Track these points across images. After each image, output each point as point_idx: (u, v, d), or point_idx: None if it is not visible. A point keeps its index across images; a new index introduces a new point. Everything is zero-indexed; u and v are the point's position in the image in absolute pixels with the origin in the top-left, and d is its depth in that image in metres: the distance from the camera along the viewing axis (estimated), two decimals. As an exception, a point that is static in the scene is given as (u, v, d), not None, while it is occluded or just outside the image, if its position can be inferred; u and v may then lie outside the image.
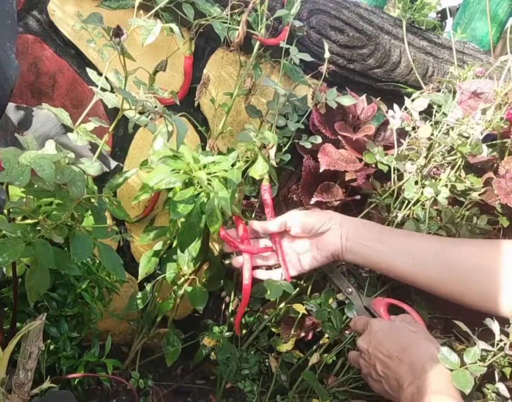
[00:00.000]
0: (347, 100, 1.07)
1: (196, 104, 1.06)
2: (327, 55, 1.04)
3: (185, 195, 0.89)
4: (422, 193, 1.01)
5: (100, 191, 0.80)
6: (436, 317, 0.98)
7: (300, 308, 1.02)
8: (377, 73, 1.16)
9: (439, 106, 1.08)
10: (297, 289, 1.05)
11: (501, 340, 0.79)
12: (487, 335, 0.81)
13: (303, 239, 1.00)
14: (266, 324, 1.09)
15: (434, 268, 0.90)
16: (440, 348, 0.80)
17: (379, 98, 1.10)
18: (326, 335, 1.03)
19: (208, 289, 1.06)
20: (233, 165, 0.99)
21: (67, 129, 0.79)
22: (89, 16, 0.66)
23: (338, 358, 1.03)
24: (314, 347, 1.05)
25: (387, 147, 1.09)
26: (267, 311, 1.09)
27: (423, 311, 0.96)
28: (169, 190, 0.97)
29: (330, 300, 1.03)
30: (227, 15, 1.00)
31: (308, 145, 1.07)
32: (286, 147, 1.08)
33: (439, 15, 1.58)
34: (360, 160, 1.05)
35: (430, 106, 1.09)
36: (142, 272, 1.02)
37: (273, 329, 1.09)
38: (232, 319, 1.13)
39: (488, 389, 0.85)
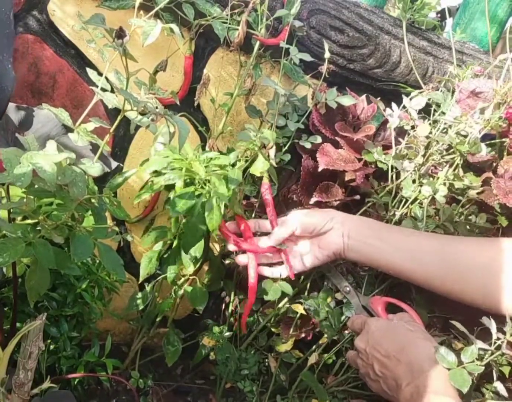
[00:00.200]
0: (347, 100, 1.07)
1: (196, 104, 1.06)
2: (327, 55, 1.04)
3: (185, 193, 0.89)
4: (420, 191, 1.01)
5: (100, 192, 0.80)
6: (435, 316, 0.98)
7: (298, 309, 1.02)
8: (377, 73, 1.16)
9: (438, 105, 1.08)
10: (296, 289, 1.05)
11: (498, 338, 0.79)
12: (487, 334, 0.81)
13: (305, 238, 1.00)
14: (265, 324, 1.09)
15: (433, 266, 0.90)
16: (438, 347, 0.80)
17: (379, 98, 1.10)
18: (326, 335, 1.03)
19: (208, 289, 1.06)
20: (233, 165, 0.99)
21: (67, 129, 0.78)
22: (91, 17, 0.66)
23: (337, 357, 1.03)
24: (314, 346, 1.05)
25: (387, 147, 1.09)
26: (266, 311, 1.09)
27: (422, 310, 0.96)
28: (169, 189, 0.97)
29: (329, 299, 1.03)
30: (227, 15, 1.00)
31: (308, 145, 1.07)
32: (286, 147, 1.08)
33: (439, 15, 1.58)
34: (359, 160, 1.05)
35: (429, 106, 1.09)
36: (143, 272, 1.02)
37: (273, 329, 1.09)
38: (232, 319, 1.13)
39: (487, 389, 0.85)
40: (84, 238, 0.73)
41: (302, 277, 1.06)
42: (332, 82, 1.11)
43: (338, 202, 1.04)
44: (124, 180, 0.92)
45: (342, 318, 1.01)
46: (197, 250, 0.95)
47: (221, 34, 0.99)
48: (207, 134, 1.09)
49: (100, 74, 0.82)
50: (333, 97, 1.06)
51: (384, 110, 1.08)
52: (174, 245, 1.02)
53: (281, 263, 1.02)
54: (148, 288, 1.06)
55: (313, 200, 1.04)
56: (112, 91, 0.80)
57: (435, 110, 1.08)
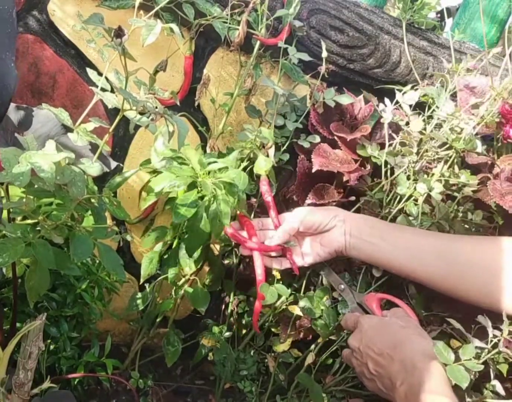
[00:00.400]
0: (345, 99, 1.07)
1: (196, 104, 1.06)
2: (324, 54, 1.04)
3: (188, 198, 0.88)
4: (415, 188, 1.00)
5: (100, 191, 0.80)
6: (433, 314, 0.98)
7: (295, 310, 1.02)
8: (377, 73, 1.16)
9: (433, 99, 1.08)
10: (291, 289, 1.05)
11: (495, 336, 0.79)
12: (485, 332, 0.82)
13: (307, 235, 1.00)
14: (264, 324, 1.09)
15: (434, 265, 0.91)
16: (431, 342, 0.79)
17: (377, 98, 1.10)
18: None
19: (208, 290, 1.06)
20: (238, 165, 0.99)
21: (67, 129, 0.78)
22: (90, 17, 0.66)
23: (335, 357, 1.03)
24: (312, 346, 1.05)
25: (384, 145, 1.08)
26: (264, 310, 1.09)
27: (419, 308, 0.96)
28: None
29: (324, 298, 1.02)
30: (227, 15, 1.00)
31: (306, 144, 1.07)
32: (284, 147, 1.08)
33: (438, 15, 1.58)
34: (356, 160, 1.05)
35: (425, 102, 1.09)
36: (144, 273, 1.02)
37: (272, 329, 1.09)
38: (231, 319, 1.13)
39: (486, 389, 0.85)
40: (84, 238, 0.73)
41: (298, 276, 1.06)
42: (332, 82, 1.11)
43: (334, 203, 1.04)
44: (124, 180, 0.92)
45: (339, 317, 1.00)
46: (197, 251, 0.96)
47: (221, 34, 0.99)
48: (207, 134, 1.09)
49: (100, 74, 0.82)
50: (331, 96, 1.06)
51: (377, 106, 1.08)
52: (174, 245, 1.02)
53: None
54: (148, 288, 1.06)
55: (307, 202, 1.04)
56: (112, 91, 0.80)
57: (429, 106, 1.08)
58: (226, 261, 1.13)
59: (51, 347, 0.95)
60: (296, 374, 1.03)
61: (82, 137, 0.72)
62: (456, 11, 1.35)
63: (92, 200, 0.76)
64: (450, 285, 0.90)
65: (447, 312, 0.95)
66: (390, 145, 1.05)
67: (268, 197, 1.01)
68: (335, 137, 1.05)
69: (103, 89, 0.77)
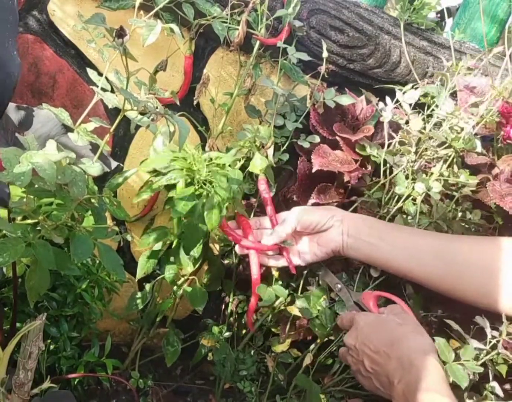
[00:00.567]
0: (345, 99, 1.07)
1: (195, 103, 1.06)
2: (325, 54, 1.04)
3: (186, 193, 0.89)
4: (413, 188, 1.00)
5: (100, 191, 0.80)
6: (432, 314, 0.98)
7: (293, 311, 1.02)
8: (377, 73, 1.16)
9: (433, 97, 1.08)
10: (290, 287, 1.05)
11: (493, 337, 0.79)
12: (484, 332, 0.82)
13: (304, 234, 1.00)
14: (263, 324, 1.09)
15: (432, 265, 0.90)
16: (428, 339, 0.79)
17: (378, 98, 1.10)
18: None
19: (208, 289, 1.06)
20: (233, 164, 0.99)
21: (67, 129, 0.78)
22: (91, 17, 0.66)
23: (334, 357, 1.03)
24: (312, 346, 1.05)
25: (384, 144, 1.08)
26: (262, 310, 1.09)
27: (417, 308, 0.96)
28: (169, 189, 0.97)
29: (322, 298, 1.02)
30: (227, 15, 1.00)
31: (306, 145, 1.07)
32: (284, 147, 1.08)
33: (438, 15, 1.58)
34: (356, 161, 1.05)
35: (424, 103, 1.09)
36: (140, 271, 1.02)
37: (272, 329, 1.09)
38: (231, 319, 1.13)
39: (485, 389, 0.85)
40: (84, 238, 0.73)
41: (295, 276, 1.06)
42: (332, 82, 1.11)
43: (336, 203, 1.04)
44: (124, 180, 0.92)
45: (337, 317, 1.00)
46: (196, 250, 0.96)
47: (221, 34, 0.99)
48: (207, 133, 1.09)
49: (100, 74, 0.83)
50: (331, 96, 1.06)
51: (377, 104, 1.08)
52: (173, 245, 1.02)
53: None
54: (147, 288, 1.06)
55: (310, 202, 1.03)
56: (112, 91, 0.80)
57: (428, 105, 1.07)
58: (225, 261, 1.13)
59: (51, 347, 0.95)
60: (295, 374, 1.03)
61: (82, 137, 0.73)
62: (456, 11, 1.35)
63: (93, 200, 0.76)
64: (448, 285, 0.90)
65: (446, 312, 0.95)
66: (389, 144, 1.05)
67: (266, 195, 1.02)
68: (338, 138, 1.05)
69: (103, 89, 0.77)
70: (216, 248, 1.15)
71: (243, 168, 1.03)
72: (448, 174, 1.00)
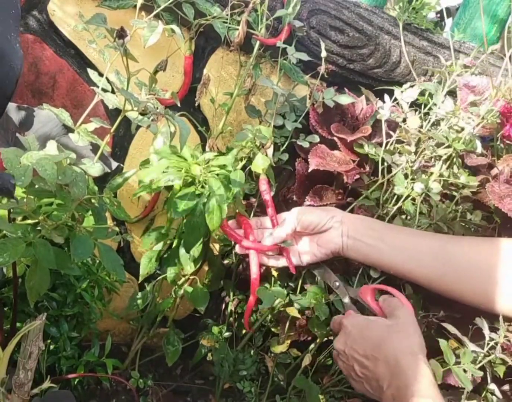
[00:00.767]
0: (344, 99, 1.07)
1: (196, 104, 1.06)
2: (323, 54, 1.04)
3: (185, 193, 0.89)
4: (412, 188, 0.99)
5: (100, 192, 0.80)
6: (431, 315, 0.98)
7: (292, 312, 1.01)
8: (377, 73, 1.16)
9: (430, 95, 1.08)
10: (289, 287, 1.05)
11: (491, 339, 0.79)
12: (482, 333, 0.82)
13: (304, 235, 1.00)
14: (263, 324, 1.09)
15: (431, 266, 0.90)
16: (418, 338, 0.79)
17: (378, 98, 1.10)
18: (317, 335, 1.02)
19: (208, 289, 1.06)
20: (234, 165, 0.99)
21: (68, 129, 0.79)
22: (92, 17, 0.66)
23: (332, 357, 1.03)
24: (312, 346, 1.05)
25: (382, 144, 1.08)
26: (262, 311, 1.09)
27: (416, 308, 0.96)
28: (169, 189, 0.97)
29: (319, 295, 1.01)
30: (227, 15, 1.00)
31: (305, 144, 1.07)
32: (284, 147, 1.08)
33: (438, 15, 1.58)
34: (354, 161, 1.04)
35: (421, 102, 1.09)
36: (143, 272, 1.02)
37: (272, 329, 1.09)
38: (231, 319, 1.13)
39: (484, 390, 0.85)
40: (84, 238, 0.73)
41: (295, 276, 1.06)
42: (332, 82, 1.11)
43: (333, 205, 1.04)
44: (124, 181, 0.92)
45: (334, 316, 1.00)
46: (196, 249, 0.96)
47: (221, 34, 0.99)
48: (207, 134, 1.09)
49: (100, 74, 0.83)
50: (330, 96, 1.06)
51: (376, 103, 1.08)
52: (174, 245, 1.02)
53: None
54: (148, 288, 1.06)
55: (305, 204, 1.03)
56: (113, 91, 0.80)
57: (425, 104, 1.07)
58: (225, 261, 1.13)
59: (51, 347, 0.95)
60: (295, 374, 1.03)
61: (83, 137, 0.73)
62: (456, 11, 1.35)
63: (93, 200, 0.76)
64: (447, 286, 0.90)
65: (445, 312, 0.95)
66: (387, 143, 1.05)
67: (267, 196, 1.02)
68: (335, 138, 1.04)
69: (104, 90, 0.77)
70: (216, 248, 1.15)
71: (243, 168, 1.03)
72: (448, 174, 1.00)
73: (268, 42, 1.03)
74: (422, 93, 1.09)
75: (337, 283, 0.99)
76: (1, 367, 0.77)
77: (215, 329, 1.11)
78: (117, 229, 0.80)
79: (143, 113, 0.72)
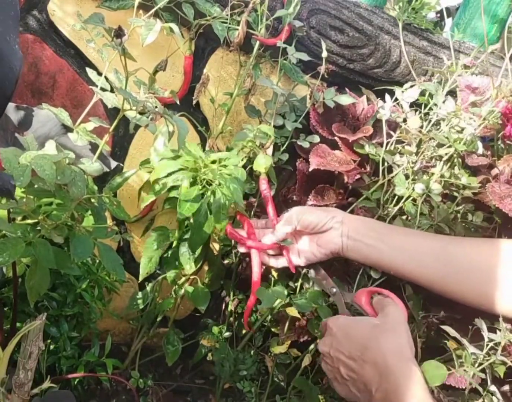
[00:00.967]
0: (344, 99, 1.07)
1: (194, 102, 1.06)
2: (324, 54, 1.04)
3: (191, 194, 0.89)
4: (413, 189, 0.99)
5: (100, 191, 0.80)
6: (432, 316, 0.98)
7: (292, 312, 1.01)
8: (377, 73, 1.16)
9: (430, 95, 1.07)
10: (289, 288, 1.05)
11: (491, 340, 0.79)
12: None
13: (304, 234, 1.00)
14: (263, 324, 1.09)
15: (432, 267, 0.90)
16: (406, 338, 0.78)
17: (378, 98, 1.10)
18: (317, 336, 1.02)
19: (209, 289, 1.06)
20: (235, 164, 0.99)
21: (67, 129, 0.79)
22: (90, 17, 0.66)
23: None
24: (312, 346, 1.04)
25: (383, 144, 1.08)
26: (262, 311, 1.09)
27: (416, 309, 0.96)
28: (169, 189, 0.97)
29: (319, 296, 1.00)
30: (227, 15, 1.00)
31: (306, 145, 1.07)
32: (284, 147, 1.08)
33: (438, 15, 1.58)
34: (355, 161, 1.04)
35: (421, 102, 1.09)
36: (143, 272, 1.02)
37: (272, 329, 1.09)
38: (231, 319, 1.13)
39: (484, 390, 0.85)
40: (84, 238, 0.73)
41: (295, 276, 1.06)
42: (332, 82, 1.11)
43: (335, 205, 1.04)
44: (124, 181, 0.92)
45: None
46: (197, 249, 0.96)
47: (221, 34, 0.99)
48: (207, 134, 1.09)
49: (99, 74, 0.83)
50: (330, 96, 1.06)
51: (376, 103, 1.08)
52: (174, 245, 1.02)
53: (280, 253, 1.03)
54: (148, 288, 1.06)
55: (308, 203, 1.03)
56: (112, 90, 0.80)
57: (425, 104, 1.07)
58: (226, 261, 1.13)
59: (51, 347, 0.95)
60: (295, 374, 1.03)
61: (82, 137, 0.73)
62: (456, 11, 1.35)
63: (92, 200, 0.76)
64: (447, 286, 0.90)
65: (446, 313, 0.95)
66: (388, 143, 1.05)
67: (267, 195, 1.02)
68: (336, 138, 1.04)
69: (103, 89, 0.77)
70: (216, 247, 1.15)
71: (243, 168, 1.03)
72: (449, 175, 0.99)
73: (268, 42, 1.03)
74: (422, 93, 1.09)
75: (334, 289, 0.97)
76: (1, 367, 0.77)
77: (215, 329, 1.11)
78: (116, 228, 0.81)
79: (141, 112, 0.72)
